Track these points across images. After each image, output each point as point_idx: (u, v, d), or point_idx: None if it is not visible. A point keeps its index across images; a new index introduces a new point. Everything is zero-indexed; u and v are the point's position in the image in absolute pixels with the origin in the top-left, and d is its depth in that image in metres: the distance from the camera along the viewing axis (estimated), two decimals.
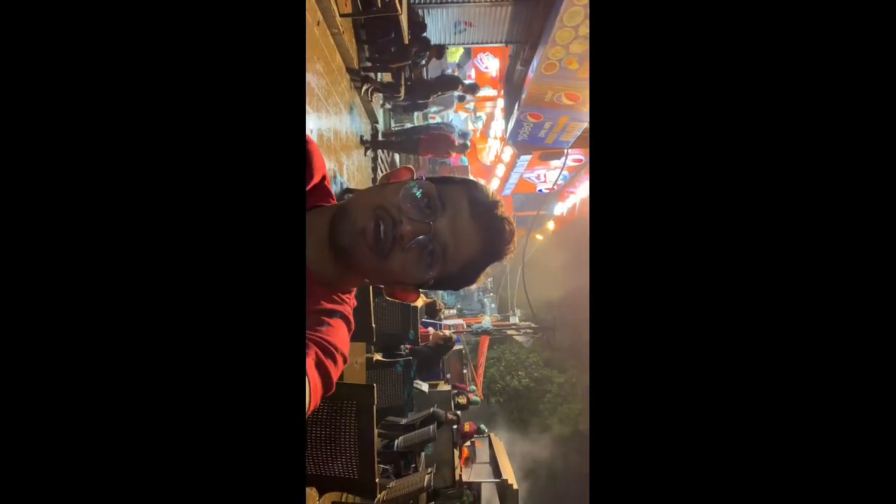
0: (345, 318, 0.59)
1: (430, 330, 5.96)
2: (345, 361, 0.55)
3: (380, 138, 5.47)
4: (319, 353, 0.51)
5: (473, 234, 0.55)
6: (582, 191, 9.47)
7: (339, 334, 0.56)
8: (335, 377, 0.53)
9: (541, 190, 9.90)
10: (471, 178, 0.60)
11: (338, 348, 0.54)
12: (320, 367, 0.51)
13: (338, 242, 0.53)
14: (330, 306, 0.58)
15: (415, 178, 0.58)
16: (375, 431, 1.35)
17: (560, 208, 10.29)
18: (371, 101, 4.94)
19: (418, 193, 0.54)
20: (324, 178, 0.61)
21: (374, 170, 5.50)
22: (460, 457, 6.02)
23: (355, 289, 0.63)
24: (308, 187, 0.60)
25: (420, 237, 0.52)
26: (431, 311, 5.16)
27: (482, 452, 7.85)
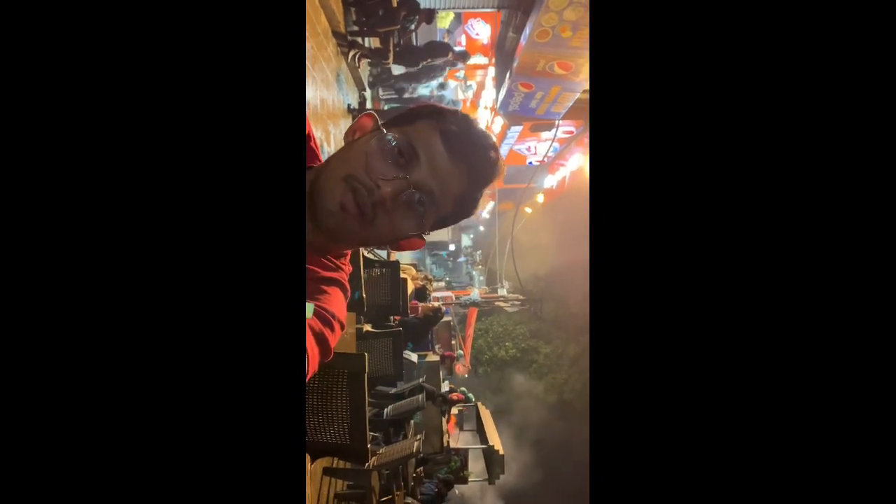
0: (341, 284, 0.58)
1: (419, 303, 6.00)
2: (342, 328, 0.54)
3: (367, 108, 5.34)
4: (316, 320, 0.50)
5: (457, 171, 0.51)
6: (572, 163, 9.43)
7: (335, 301, 0.55)
8: (332, 344, 0.52)
9: (531, 162, 9.83)
10: (436, 105, 0.55)
11: (335, 315, 0.53)
12: (317, 334, 0.50)
13: (324, 225, 0.51)
14: (326, 274, 0.56)
15: (378, 125, 0.54)
16: (366, 399, 1.37)
17: (550, 181, 10.27)
18: (359, 67, 4.79)
19: (385, 148, 0.50)
20: (309, 137, 0.58)
21: None
22: (448, 424, 6.19)
23: (349, 252, 0.61)
24: None
25: (402, 194, 0.49)
26: (421, 295, 5.18)
27: (469, 420, 8.07)
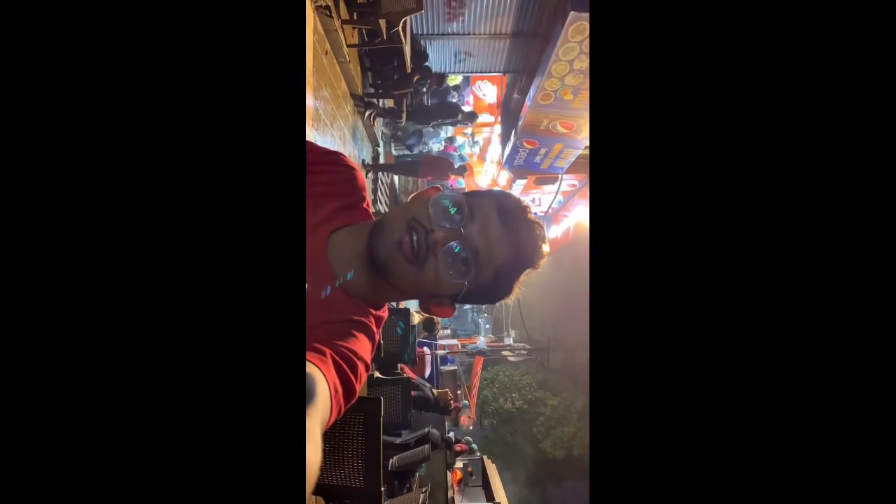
0: (369, 329, 0.62)
1: (426, 350, 5.99)
2: (367, 370, 0.58)
3: (381, 162, 5.63)
4: (342, 362, 0.53)
5: (504, 239, 0.57)
6: (576, 214, 9.67)
7: (361, 344, 0.58)
8: (358, 386, 0.55)
9: (536, 213, 10.00)
10: (499, 189, 0.65)
11: (360, 356, 0.56)
12: (342, 375, 0.52)
13: (376, 256, 0.57)
14: (356, 317, 0.61)
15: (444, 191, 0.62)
16: (381, 441, 1.44)
17: (554, 231, 10.46)
18: (373, 125, 5.11)
19: (447, 202, 0.57)
20: (365, 199, 0.69)
21: (375, 191, 5.63)
22: (453, 478, 5.99)
23: (387, 304, 0.67)
24: (355, 207, 0.67)
25: (451, 242, 0.56)
26: (429, 325, 5.19)
27: (475, 476, 7.79)
